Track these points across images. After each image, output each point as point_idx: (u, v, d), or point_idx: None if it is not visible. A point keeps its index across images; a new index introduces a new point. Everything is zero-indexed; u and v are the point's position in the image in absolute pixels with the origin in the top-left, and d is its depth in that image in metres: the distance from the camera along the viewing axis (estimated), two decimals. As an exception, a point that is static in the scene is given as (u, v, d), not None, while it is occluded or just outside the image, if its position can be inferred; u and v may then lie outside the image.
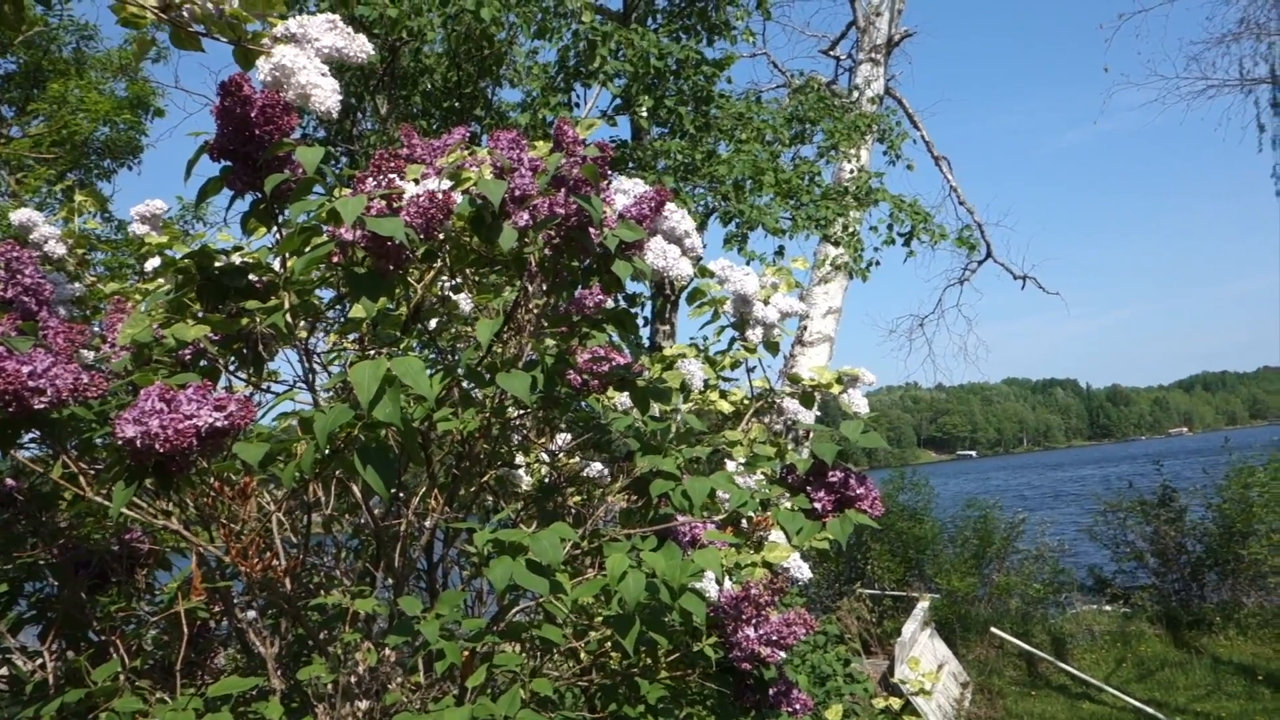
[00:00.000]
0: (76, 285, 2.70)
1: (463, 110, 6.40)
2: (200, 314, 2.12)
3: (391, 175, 1.51)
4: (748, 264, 7.21)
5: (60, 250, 2.79)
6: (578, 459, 3.04)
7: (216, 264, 2.00)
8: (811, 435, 2.55)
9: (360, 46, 1.55)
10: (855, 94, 10.49)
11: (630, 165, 6.79)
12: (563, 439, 2.98)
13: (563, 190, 1.89)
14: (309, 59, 1.46)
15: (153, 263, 2.89)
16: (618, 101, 6.49)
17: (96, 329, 2.61)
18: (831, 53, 13.09)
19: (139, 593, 2.34)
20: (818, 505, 2.06)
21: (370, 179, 1.51)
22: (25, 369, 1.38)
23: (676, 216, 2.13)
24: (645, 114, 6.19)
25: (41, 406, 1.39)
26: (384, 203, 1.48)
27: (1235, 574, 10.86)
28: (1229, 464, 11.66)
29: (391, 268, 1.54)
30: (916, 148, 11.57)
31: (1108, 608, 11.33)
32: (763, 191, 6.04)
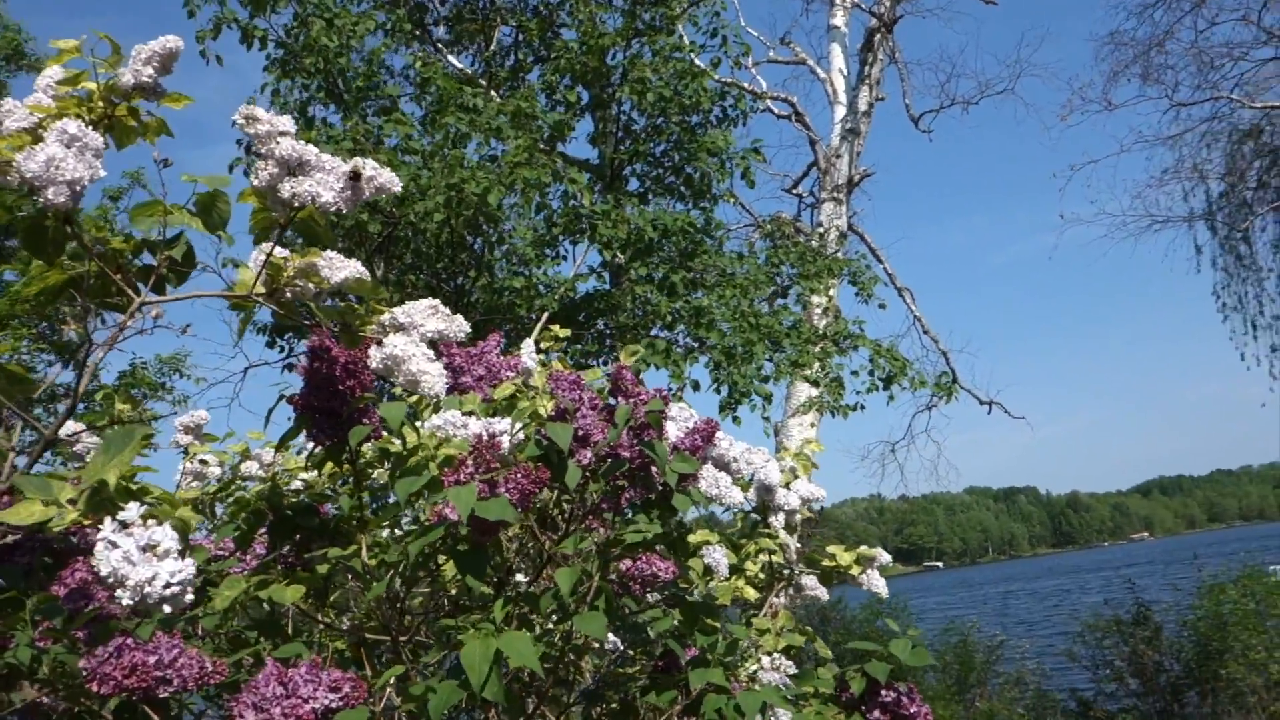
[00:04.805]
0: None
1: (454, 268, 6.60)
2: (266, 544, 2.19)
3: (492, 467, 1.61)
4: (738, 408, 7.38)
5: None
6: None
7: (288, 503, 2.08)
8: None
9: (459, 327, 1.67)
10: (819, 231, 10.91)
11: (616, 314, 7.00)
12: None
13: (626, 433, 2.02)
14: (417, 346, 1.58)
15: (191, 465, 2.95)
16: (605, 258, 6.75)
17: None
18: (794, 191, 13.63)
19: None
20: (874, 727, 2.13)
21: (469, 463, 1.61)
22: (152, 659, 1.43)
23: (725, 444, 2.26)
24: (633, 276, 6.43)
25: (165, 695, 1.44)
26: (487, 485, 1.58)
27: (1215, 693, 10.88)
28: (1198, 579, 11.80)
29: (487, 538, 1.63)
30: (883, 284, 12.00)
31: (1094, 732, 11.26)
32: (755, 359, 6.27)
